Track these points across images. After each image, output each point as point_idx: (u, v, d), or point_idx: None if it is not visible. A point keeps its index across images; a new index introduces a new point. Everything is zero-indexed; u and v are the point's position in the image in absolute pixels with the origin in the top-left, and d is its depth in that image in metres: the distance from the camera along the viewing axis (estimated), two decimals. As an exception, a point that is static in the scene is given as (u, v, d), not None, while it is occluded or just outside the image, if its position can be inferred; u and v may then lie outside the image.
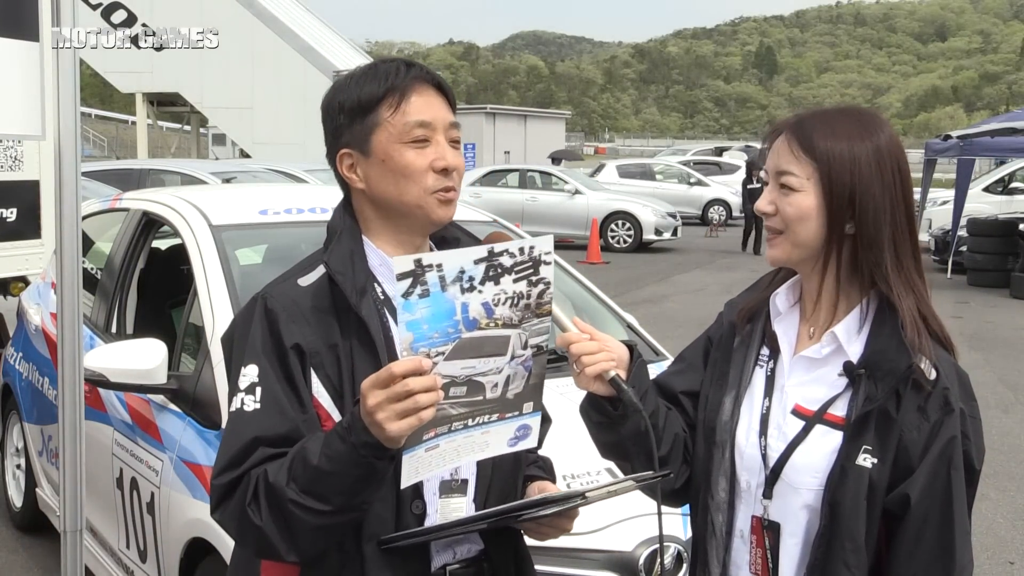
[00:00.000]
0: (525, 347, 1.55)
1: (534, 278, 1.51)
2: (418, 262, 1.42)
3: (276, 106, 23.10)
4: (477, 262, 1.46)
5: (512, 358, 1.54)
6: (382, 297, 1.72)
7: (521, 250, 1.50)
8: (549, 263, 1.53)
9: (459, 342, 1.48)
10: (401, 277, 1.42)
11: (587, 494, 1.66)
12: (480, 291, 1.47)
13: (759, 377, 1.76)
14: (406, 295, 1.42)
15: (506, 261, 1.49)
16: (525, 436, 1.63)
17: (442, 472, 1.70)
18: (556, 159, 24.50)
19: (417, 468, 1.53)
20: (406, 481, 1.54)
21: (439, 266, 1.43)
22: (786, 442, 1.68)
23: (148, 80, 23.99)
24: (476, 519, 1.67)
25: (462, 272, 1.45)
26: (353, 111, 1.71)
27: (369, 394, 1.46)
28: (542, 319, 1.55)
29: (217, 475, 1.63)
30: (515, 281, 1.50)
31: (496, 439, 1.59)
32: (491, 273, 1.48)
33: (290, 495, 1.54)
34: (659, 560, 2.77)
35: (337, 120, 1.73)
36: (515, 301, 1.51)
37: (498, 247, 1.48)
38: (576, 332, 1.67)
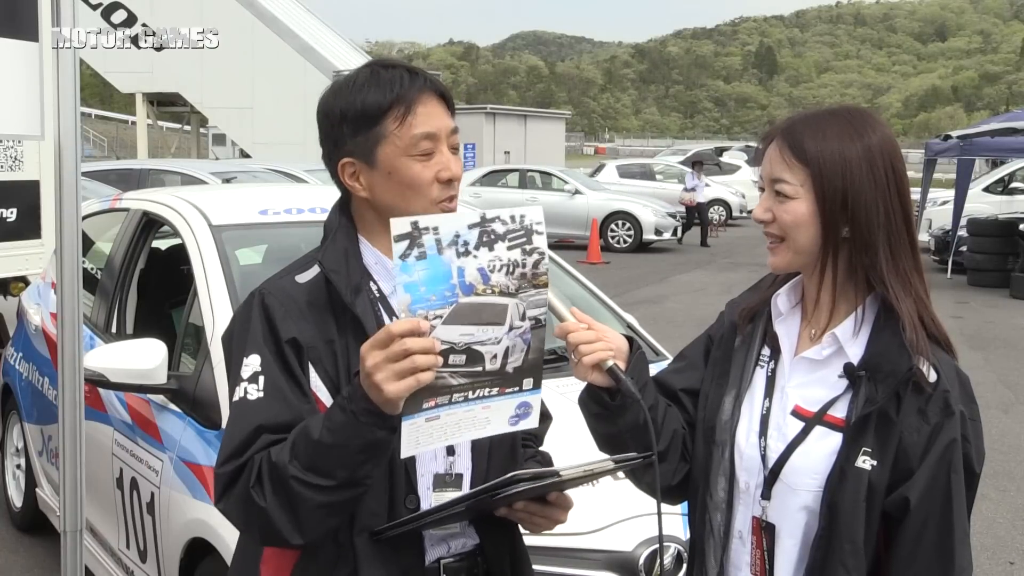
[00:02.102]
0: (523, 318, 1.55)
1: (528, 247, 1.53)
2: (415, 224, 1.45)
3: (276, 106, 23.07)
4: (471, 227, 1.49)
5: (511, 328, 1.55)
6: (377, 295, 1.73)
7: (512, 218, 1.52)
8: (541, 233, 1.55)
9: (457, 306, 1.49)
10: (398, 239, 1.44)
11: (561, 472, 1.66)
12: (475, 256, 1.50)
13: (760, 377, 1.76)
14: (403, 256, 1.45)
15: (499, 228, 1.51)
16: (526, 415, 1.62)
17: (436, 466, 1.71)
18: (697, 162, 23.11)
19: (417, 439, 1.54)
20: (406, 451, 1.54)
21: (435, 229, 1.46)
22: (785, 443, 1.68)
23: (148, 80, 23.94)
24: (452, 504, 1.66)
25: (457, 236, 1.48)
26: (356, 121, 1.70)
27: (368, 355, 1.47)
28: (539, 290, 1.56)
29: (221, 464, 1.64)
30: (509, 248, 1.52)
31: (497, 416, 1.59)
32: (485, 239, 1.50)
33: (293, 472, 1.54)
34: (659, 560, 2.77)
35: (338, 129, 1.72)
36: (511, 269, 1.53)
37: (490, 213, 1.51)
38: (574, 322, 1.67)
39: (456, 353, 1.51)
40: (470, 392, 1.55)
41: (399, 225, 1.44)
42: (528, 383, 1.60)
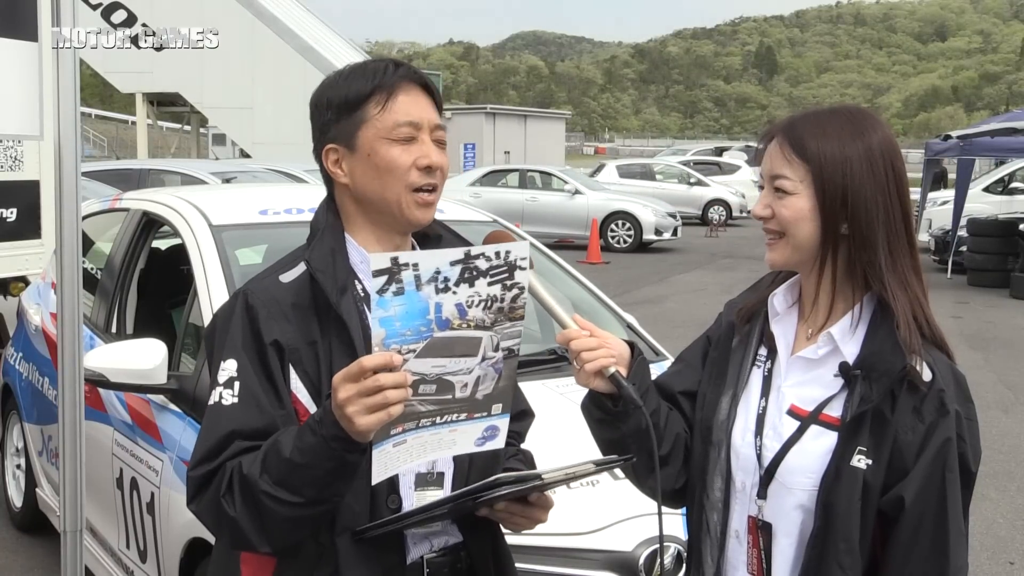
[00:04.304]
0: (496, 349, 1.57)
1: (508, 282, 1.54)
2: (395, 260, 1.45)
3: (276, 106, 23.05)
4: (453, 264, 1.49)
5: (483, 359, 1.55)
6: (362, 294, 1.75)
7: (497, 254, 1.52)
8: (524, 268, 1.55)
9: (430, 341, 1.50)
10: (377, 274, 1.44)
11: (543, 476, 1.67)
12: (454, 292, 1.49)
13: (756, 377, 1.76)
14: (381, 292, 1.45)
15: (482, 264, 1.51)
16: (493, 437, 1.65)
17: (417, 466, 1.72)
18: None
19: (386, 464, 1.56)
20: (376, 477, 1.56)
21: (415, 265, 1.46)
22: (781, 442, 1.68)
23: (148, 80, 23.93)
24: (434, 505, 1.68)
25: (437, 272, 1.48)
26: (341, 107, 1.75)
27: (340, 387, 1.48)
28: (515, 323, 1.57)
29: (193, 467, 1.67)
30: (489, 284, 1.52)
31: (463, 438, 1.62)
32: (466, 275, 1.50)
33: (263, 487, 1.57)
34: (659, 560, 2.78)
35: (325, 116, 1.77)
36: (488, 304, 1.53)
37: (474, 250, 1.51)
38: (576, 329, 1.68)
39: (427, 383, 1.52)
40: (438, 417, 1.57)
41: (379, 260, 1.44)
42: (497, 408, 1.62)
